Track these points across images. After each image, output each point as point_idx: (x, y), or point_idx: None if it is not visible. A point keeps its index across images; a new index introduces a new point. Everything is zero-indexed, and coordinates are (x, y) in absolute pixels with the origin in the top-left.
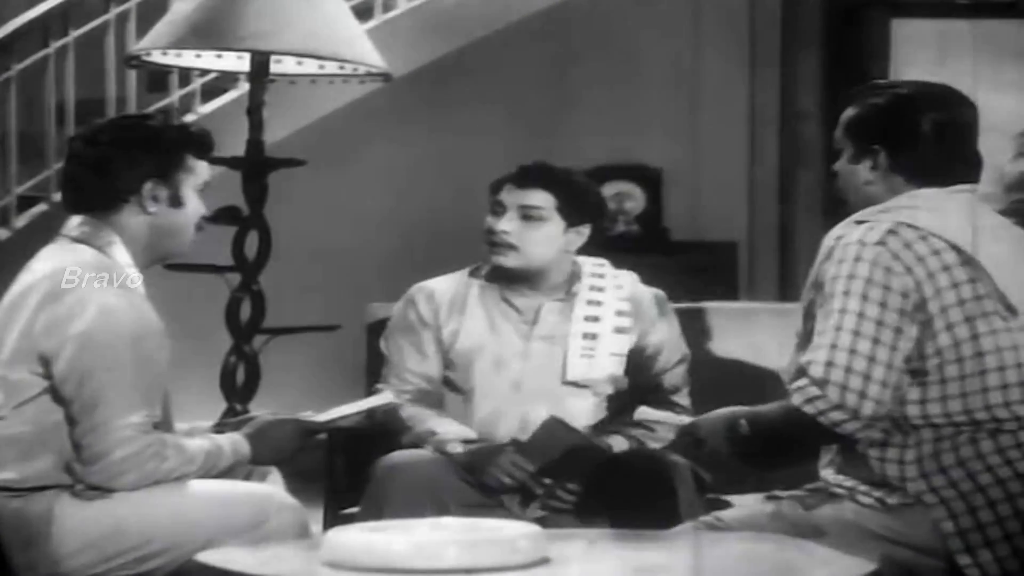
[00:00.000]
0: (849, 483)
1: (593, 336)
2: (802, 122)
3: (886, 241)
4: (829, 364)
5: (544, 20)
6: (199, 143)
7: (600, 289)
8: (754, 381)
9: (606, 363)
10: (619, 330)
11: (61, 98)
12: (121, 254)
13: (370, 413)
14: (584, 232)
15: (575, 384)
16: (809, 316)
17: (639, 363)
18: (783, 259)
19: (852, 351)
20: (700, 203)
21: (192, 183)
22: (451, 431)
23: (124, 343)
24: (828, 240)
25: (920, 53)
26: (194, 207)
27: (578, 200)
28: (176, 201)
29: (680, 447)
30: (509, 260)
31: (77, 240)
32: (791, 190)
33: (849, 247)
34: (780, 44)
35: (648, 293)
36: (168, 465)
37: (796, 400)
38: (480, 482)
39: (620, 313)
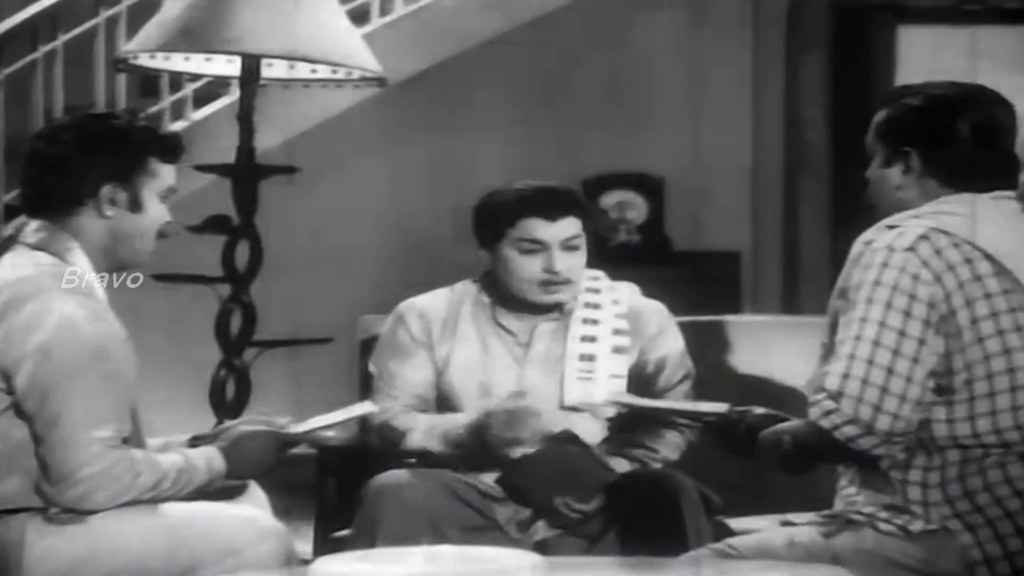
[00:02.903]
0: (869, 509)
1: (591, 357)
2: (807, 129)
3: (916, 247)
4: (845, 376)
5: (544, 26)
6: (165, 146)
7: (596, 306)
8: (769, 398)
9: (606, 386)
10: (617, 350)
11: (50, 104)
12: (81, 260)
13: (364, 429)
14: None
15: (573, 408)
16: (835, 326)
17: (640, 382)
18: (788, 269)
19: (870, 362)
20: (703, 212)
21: (155, 188)
22: (454, 417)
23: (86, 354)
24: (857, 245)
25: (927, 60)
26: (155, 213)
27: (592, 218)
28: (135, 206)
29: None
30: (565, 296)
31: (35, 247)
32: (796, 198)
33: (877, 252)
34: (784, 50)
35: (649, 306)
36: (142, 481)
37: (813, 414)
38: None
39: (618, 332)
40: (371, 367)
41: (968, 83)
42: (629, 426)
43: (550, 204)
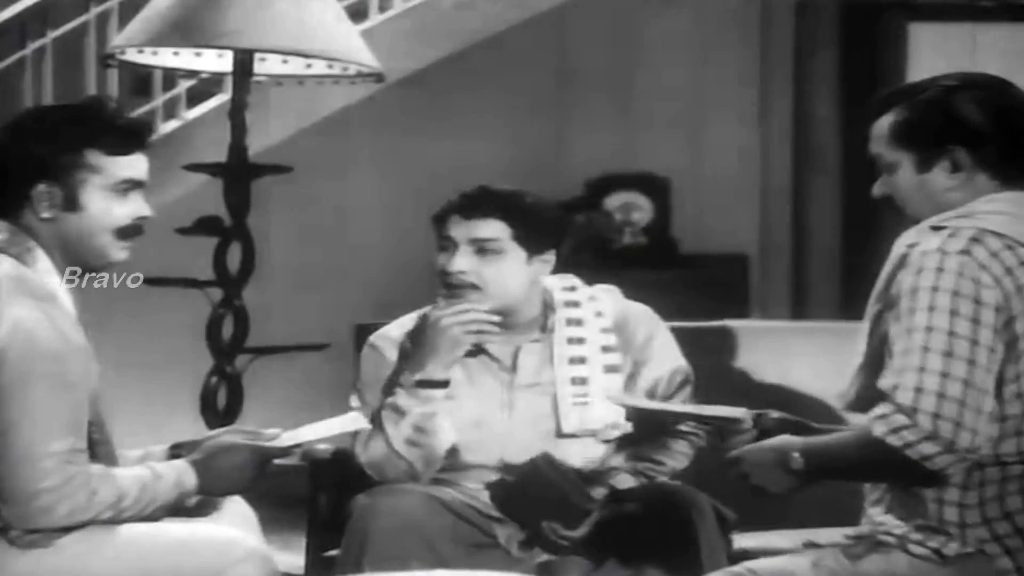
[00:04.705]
0: (900, 530)
1: (583, 380)
2: (816, 129)
3: (970, 250)
4: (919, 390)
5: (546, 23)
6: (109, 137)
7: (579, 322)
8: (779, 407)
9: (604, 409)
10: (610, 369)
11: (39, 102)
12: (42, 263)
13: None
14: (549, 259)
15: (572, 435)
16: (875, 333)
17: (637, 393)
18: (796, 273)
19: (944, 374)
20: (710, 214)
21: (99, 183)
22: None
23: (41, 362)
24: (898, 247)
25: (938, 58)
26: (103, 211)
27: (535, 226)
28: (72, 205)
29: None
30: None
31: None
32: (805, 200)
33: (928, 256)
34: (793, 47)
35: (634, 312)
36: (99, 499)
37: (878, 430)
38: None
39: (607, 349)
40: (353, 404)
41: (978, 72)
42: (634, 440)
43: (469, 202)
